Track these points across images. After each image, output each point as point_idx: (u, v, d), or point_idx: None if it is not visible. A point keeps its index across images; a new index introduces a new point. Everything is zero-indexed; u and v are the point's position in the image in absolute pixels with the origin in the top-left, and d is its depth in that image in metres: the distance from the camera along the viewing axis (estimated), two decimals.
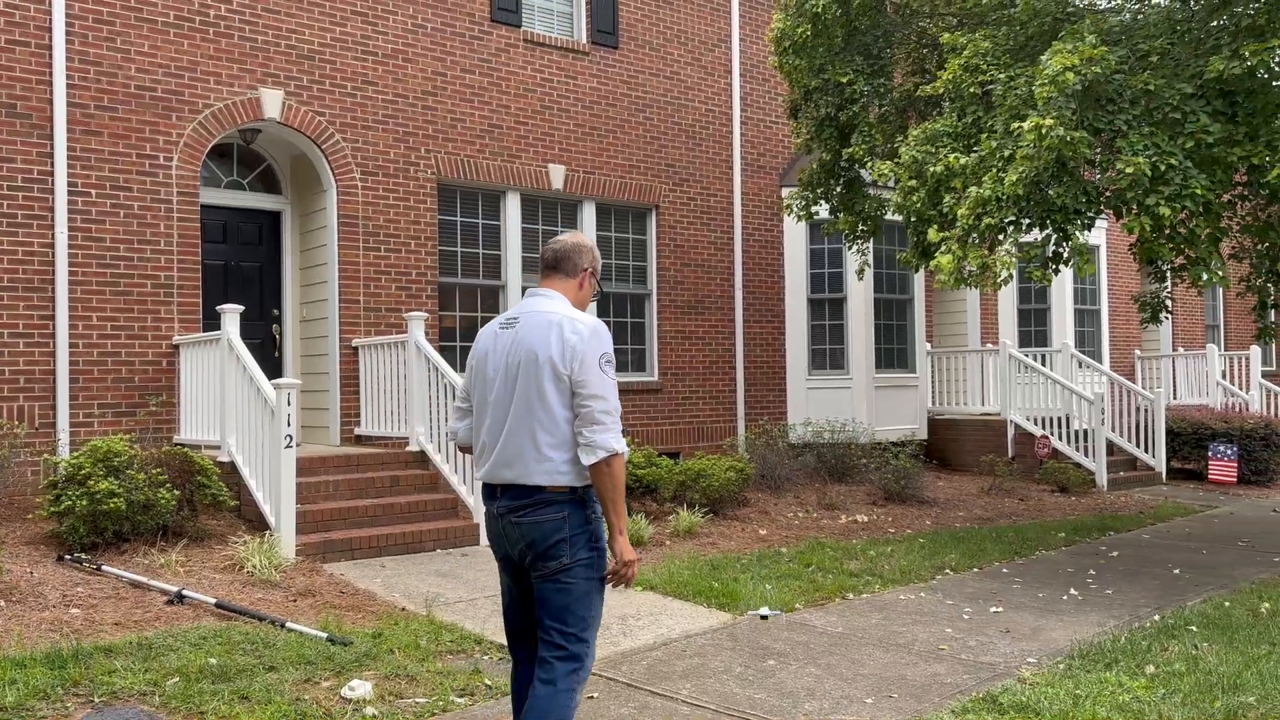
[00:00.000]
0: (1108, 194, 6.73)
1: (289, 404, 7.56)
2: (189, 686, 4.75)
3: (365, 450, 9.32)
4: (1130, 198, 6.35)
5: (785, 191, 13.06)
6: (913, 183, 7.72)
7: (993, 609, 6.71)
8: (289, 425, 7.55)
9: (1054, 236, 6.92)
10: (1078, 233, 6.76)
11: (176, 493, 7.25)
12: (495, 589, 6.97)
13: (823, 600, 6.91)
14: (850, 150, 9.44)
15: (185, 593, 6.16)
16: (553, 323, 3.42)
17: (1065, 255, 7.17)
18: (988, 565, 8.24)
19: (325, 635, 5.62)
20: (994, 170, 6.86)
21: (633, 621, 6.20)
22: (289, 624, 5.78)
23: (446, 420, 8.90)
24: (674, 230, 12.58)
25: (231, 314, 8.36)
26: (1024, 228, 7.05)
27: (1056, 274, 7.41)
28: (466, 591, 6.90)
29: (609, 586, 3.46)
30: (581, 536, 3.39)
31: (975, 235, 6.89)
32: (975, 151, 7.09)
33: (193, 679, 4.85)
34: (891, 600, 6.96)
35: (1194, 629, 6.09)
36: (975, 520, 10.56)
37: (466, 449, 3.72)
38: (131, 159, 9.01)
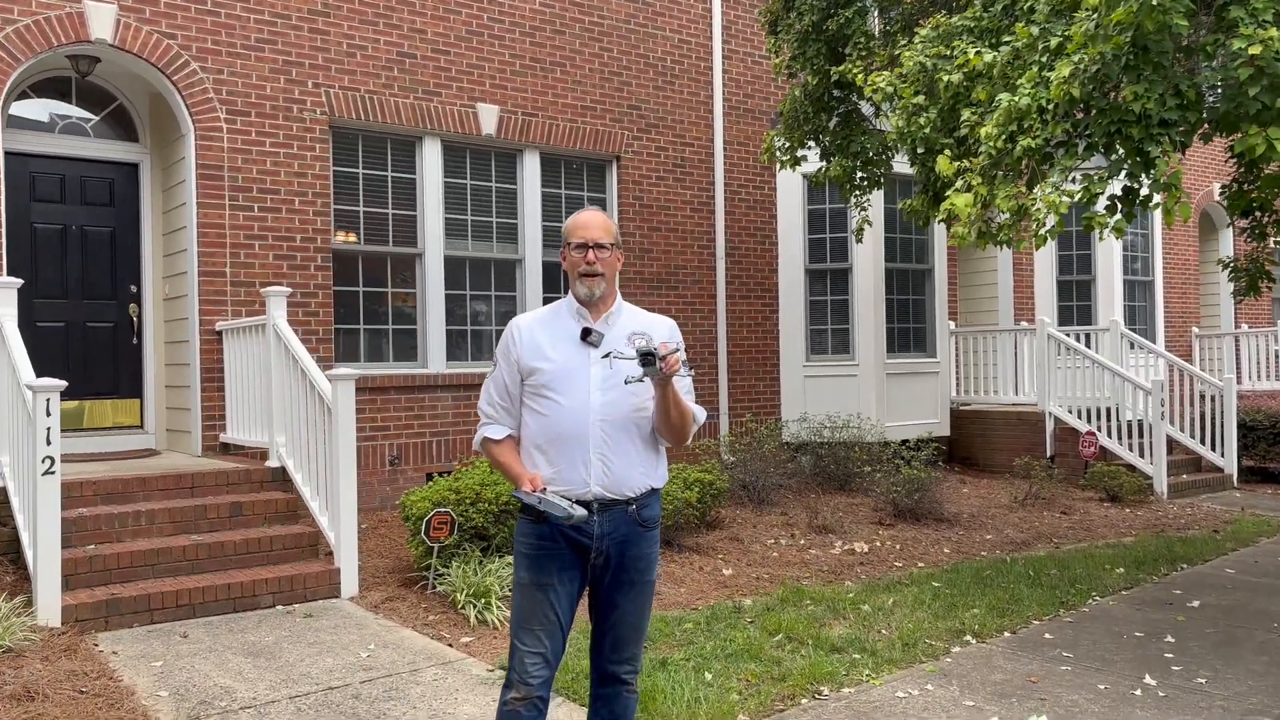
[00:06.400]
0: (1216, 92, 4.48)
1: (48, 413, 5.45)
2: None
3: (210, 466, 7.21)
4: (1253, 97, 4.08)
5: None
6: (919, 99, 5.48)
7: (1033, 719, 4.51)
8: (49, 443, 5.44)
9: (1128, 163, 4.63)
10: (1164, 155, 4.47)
11: None
12: (316, 679, 4.84)
13: (781, 703, 4.72)
14: (842, 69, 7.16)
15: None
16: None
17: (1146, 192, 4.87)
18: (1023, 625, 6.03)
19: None
20: (1035, 69, 4.61)
21: None
22: None
23: (312, 426, 6.76)
24: (639, 186, 10.36)
25: (6, 289, 6.28)
26: (1079, 152, 4.78)
27: (1131, 220, 5.11)
28: (269, 685, 4.78)
29: None
30: None
31: (1007, 164, 4.65)
32: (1008, 44, 4.84)
33: None
34: (884, 701, 4.77)
35: None
36: (1006, 545, 8.33)
37: None
38: None
